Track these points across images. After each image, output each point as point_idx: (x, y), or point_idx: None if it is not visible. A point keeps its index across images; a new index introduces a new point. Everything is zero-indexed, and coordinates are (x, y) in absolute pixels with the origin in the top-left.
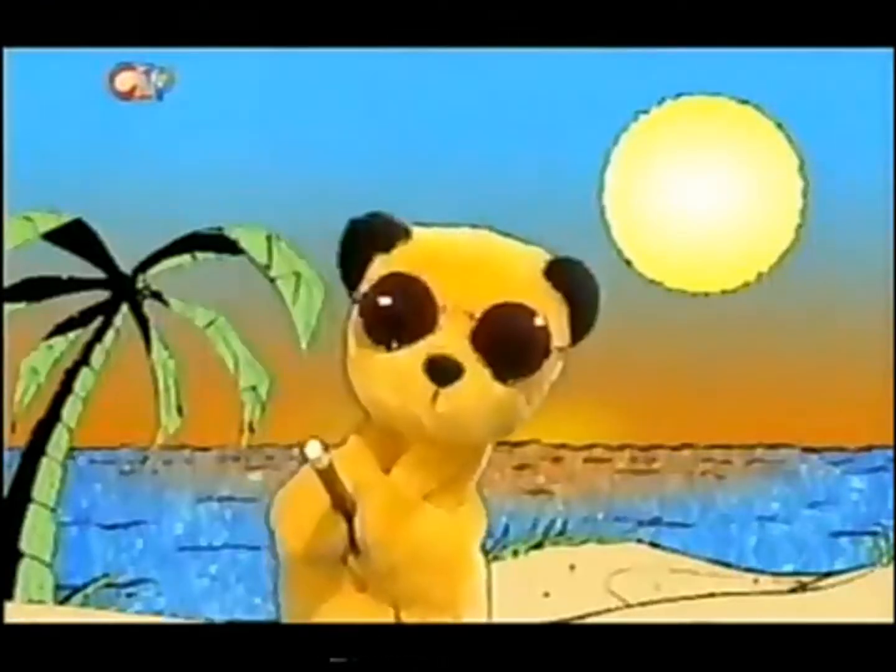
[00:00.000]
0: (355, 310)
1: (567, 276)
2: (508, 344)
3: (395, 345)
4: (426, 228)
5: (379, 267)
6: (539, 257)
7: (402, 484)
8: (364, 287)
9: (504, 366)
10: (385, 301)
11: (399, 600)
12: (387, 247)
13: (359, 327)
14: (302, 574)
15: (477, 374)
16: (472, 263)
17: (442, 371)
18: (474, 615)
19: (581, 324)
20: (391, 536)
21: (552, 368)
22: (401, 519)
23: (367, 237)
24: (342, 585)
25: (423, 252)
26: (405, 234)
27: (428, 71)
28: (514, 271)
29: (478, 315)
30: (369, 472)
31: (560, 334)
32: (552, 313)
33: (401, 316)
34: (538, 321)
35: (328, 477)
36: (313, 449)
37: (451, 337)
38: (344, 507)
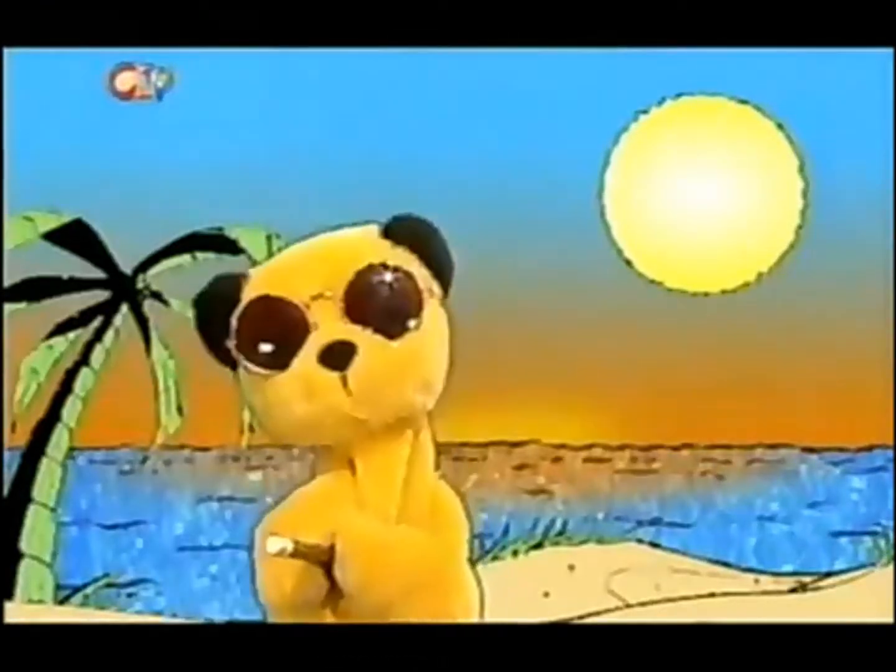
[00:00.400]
0: (240, 361)
1: (402, 228)
2: (380, 301)
3: (284, 361)
4: (257, 266)
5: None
6: (372, 228)
7: (376, 500)
8: (230, 342)
9: (387, 323)
10: (252, 330)
11: None
12: (235, 300)
13: (245, 366)
14: (284, 618)
15: (368, 342)
16: (311, 256)
17: (336, 356)
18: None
19: (437, 265)
20: (376, 577)
21: (436, 314)
22: (383, 557)
23: (214, 304)
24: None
25: (263, 278)
26: (243, 279)
27: (428, 71)
28: (354, 244)
29: (340, 293)
30: (342, 510)
31: (425, 281)
32: (406, 264)
33: (273, 333)
34: (394, 270)
35: (298, 554)
36: (273, 545)
37: (327, 325)
38: (321, 561)
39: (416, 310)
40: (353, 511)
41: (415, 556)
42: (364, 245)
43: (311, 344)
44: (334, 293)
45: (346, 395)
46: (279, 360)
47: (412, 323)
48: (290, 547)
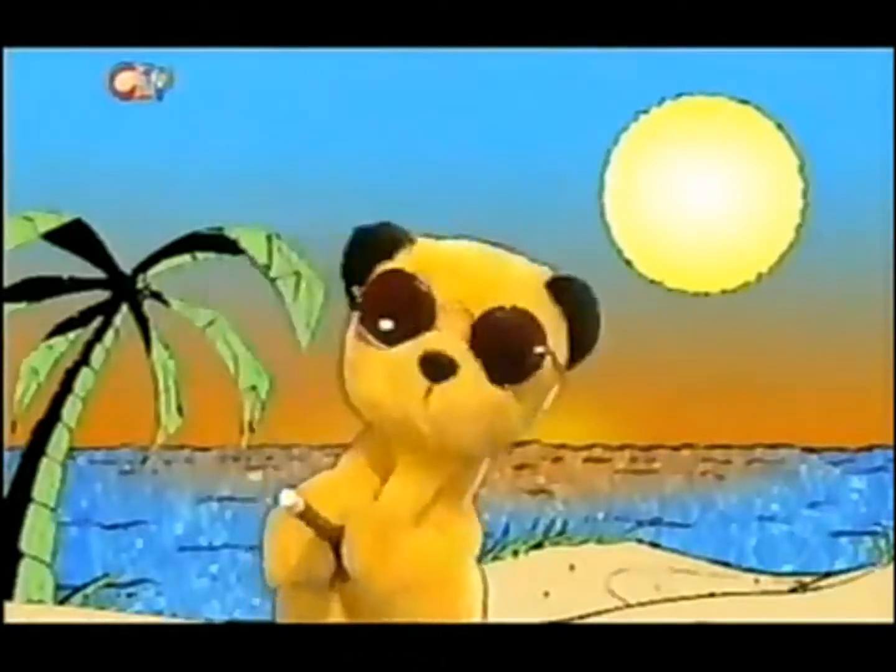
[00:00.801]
0: (358, 305)
1: (568, 291)
2: (504, 345)
3: (391, 340)
4: (431, 239)
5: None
6: (543, 271)
7: (393, 502)
8: (359, 291)
9: (499, 367)
10: (382, 297)
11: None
12: (388, 254)
13: (356, 324)
14: (291, 598)
15: (471, 372)
16: (474, 266)
17: (436, 367)
18: None
19: (580, 341)
20: (380, 564)
21: (549, 380)
22: (389, 546)
23: (369, 245)
24: (333, 610)
25: (424, 255)
26: (408, 241)
27: (428, 71)
28: (516, 277)
29: (476, 315)
30: (358, 497)
31: (558, 348)
32: (551, 325)
33: (398, 311)
34: (536, 326)
35: (308, 517)
36: (286, 497)
37: (447, 334)
38: (329, 537)
39: (531, 368)
40: (369, 499)
41: (423, 549)
42: (526, 286)
43: (423, 341)
44: (473, 310)
45: (423, 405)
46: (386, 335)
47: (520, 377)
48: (301, 504)
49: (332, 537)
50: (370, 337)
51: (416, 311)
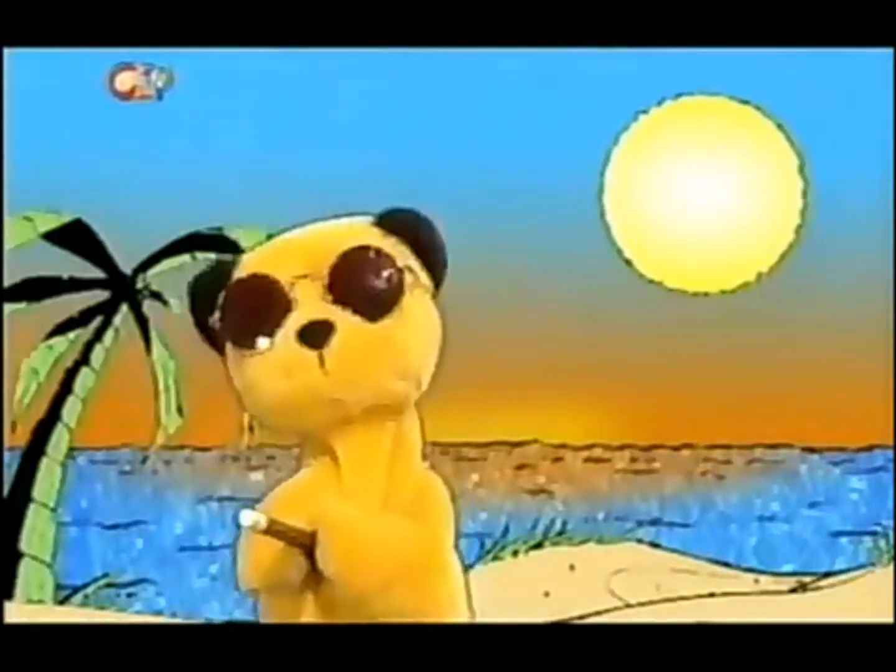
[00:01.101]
0: (223, 334)
1: (396, 219)
2: (362, 282)
3: (264, 338)
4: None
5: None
6: (366, 217)
7: (355, 491)
8: (216, 321)
9: (367, 305)
10: (236, 306)
11: (374, 620)
12: (222, 285)
13: (229, 347)
14: (268, 603)
15: (347, 323)
16: (302, 239)
17: (315, 334)
18: (454, 619)
19: (429, 258)
20: (355, 565)
21: (422, 303)
22: (363, 545)
23: (204, 290)
24: (310, 611)
25: (252, 260)
26: (233, 265)
27: (428, 71)
28: (343, 230)
29: (325, 273)
30: (322, 499)
31: (411, 272)
32: (395, 253)
33: (256, 313)
34: (379, 252)
35: (275, 531)
36: (246, 517)
37: (309, 305)
38: (301, 544)
39: (397, 295)
40: (336, 499)
41: (397, 542)
42: (353, 231)
43: (292, 322)
44: (318, 273)
45: (323, 374)
46: (256, 336)
47: (393, 307)
48: (263, 521)
49: (305, 544)
50: (247, 351)
51: (269, 302)
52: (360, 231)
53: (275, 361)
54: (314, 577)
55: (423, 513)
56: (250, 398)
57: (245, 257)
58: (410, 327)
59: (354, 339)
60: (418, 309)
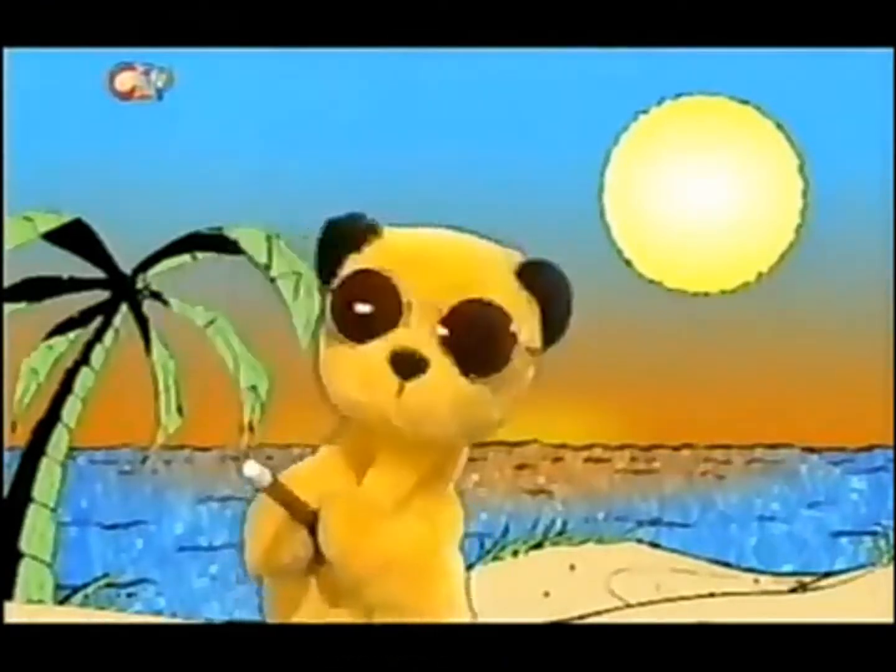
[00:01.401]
0: (327, 307)
1: (539, 277)
2: (474, 339)
3: (360, 339)
4: (398, 228)
5: (349, 266)
6: (512, 258)
7: (371, 490)
8: (334, 285)
9: (470, 361)
10: (350, 296)
11: (371, 610)
12: (356, 246)
13: (328, 323)
14: (272, 588)
15: (442, 367)
16: (442, 259)
17: (406, 364)
18: (453, 619)
19: (552, 326)
20: (354, 547)
21: (522, 368)
22: (364, 528)
23: (335, 238)
24: (313, 597)
25: (391, 249)
26: (375, 232)
27: (428, 71)
28: (485, 269)
29: (445, 310)
30: (337, 483)
31: (530, 335)
32: (522, 313)
33: (366, 310)
34: (505, 317)
35: (276, 492)
36: (251, 468)
37: (416, 331)
38: (304, 519)
39: (503, 361)
40: (348, 484)
41: (400, 533)
42: (495, 277)
43: (392, 338)
44: (441, 306)
45: (396, 403)
46: (355, 334)
47: (491, 370)
48: (267, 476)
49: (307, 519)
50: (341, 335)
51: (384, 308)
52: (499, 280)
53: (359, 365)
54: (316, 560)
55: (432, 515)
56: (325, 374)
57: (385, 240)
58: (500, 396)
59: (440, 387)
60: (516, 379)
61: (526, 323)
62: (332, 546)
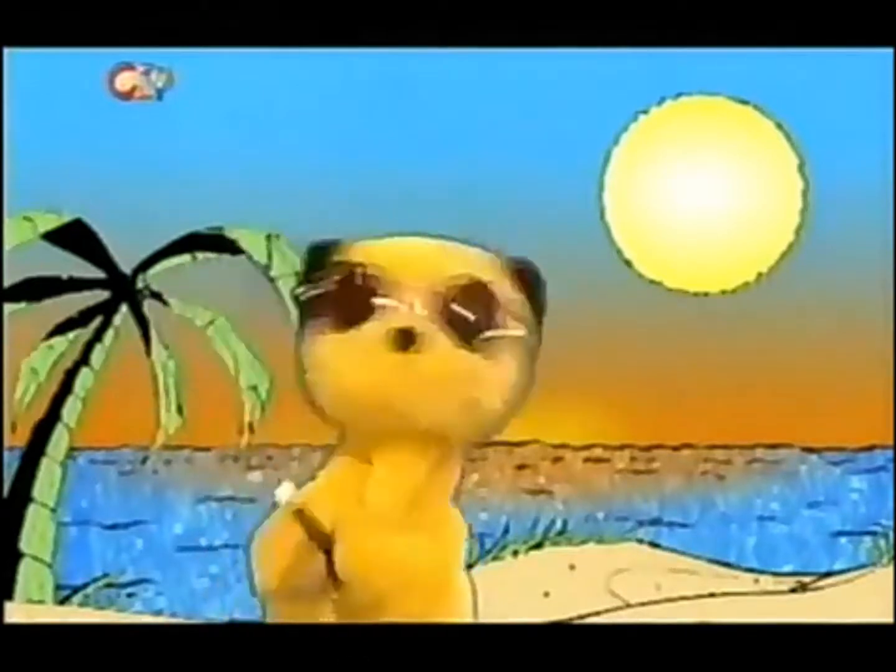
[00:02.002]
0: (309, 308)
1: (513, 260)
2: (463, 310)
3: (355, 323)
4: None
5: (334, 267)
6: (493, 254)
7: (377, 503)
8: (319, 286)
9: (461, 331)
10: (339, 284)
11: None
12: (337, 253)
13: (315, 325)
14: (282, 612)
15: (438, 339)
16: (421, 247)
17: (403, 338)
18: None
19: (537, 315)
20: (371, 568)
21: (514, 341)
22: (380, 549)
23: (315, 257)
24: (321, 619)
25: (372, 247)
26: (351, 245)
27: (428, 71)
28: (464, 252)
29: (432, 288)
30: (344, 503)
31: (516, 306)
32: (503, 286)
33: (356, 296)
34: (488, 287)
35: (303, 517)
36: (285, 491)
37: (408, 309)
38: (321, 541)
39: (493, 327)
40: (355, 503)
41: (414, 552)
42: (473, 256)
43: (386, 319)
44: (427, 284)
45: (397, 379)
46: (352, 321)
47: (483, 340)
48: (296, 502)
49: (324, 542)
50: (332, 331)
51: (373, 292)
52: (475, 257)
53: (357, 346)
54: (328, 584)
55: (439, 535)
56: (318, 376)
57: (360, 245)
58: (495, 369)
59: (438, 358)
60: (506, 348)
61: (508, 292)
62: (349, 569)
